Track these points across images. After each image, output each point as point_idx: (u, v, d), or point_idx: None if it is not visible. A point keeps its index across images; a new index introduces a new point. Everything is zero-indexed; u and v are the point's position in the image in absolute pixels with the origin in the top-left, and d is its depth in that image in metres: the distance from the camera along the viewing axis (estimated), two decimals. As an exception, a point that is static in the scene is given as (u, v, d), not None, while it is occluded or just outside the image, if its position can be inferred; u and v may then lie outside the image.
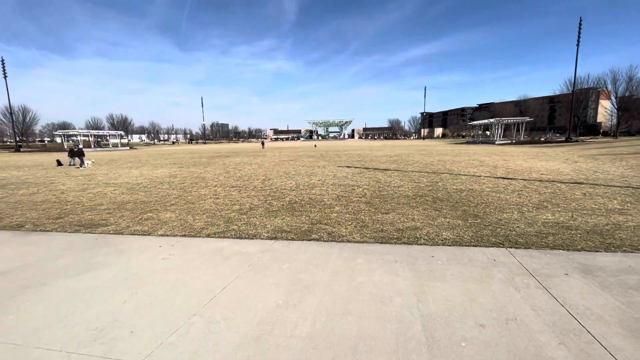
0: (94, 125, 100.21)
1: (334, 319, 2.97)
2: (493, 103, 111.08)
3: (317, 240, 5.49)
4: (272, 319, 3.01)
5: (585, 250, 4.66)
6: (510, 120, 55.08)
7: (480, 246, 4.94)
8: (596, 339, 2.58)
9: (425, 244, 5.10)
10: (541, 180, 12.03)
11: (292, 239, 5.59)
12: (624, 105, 56.80)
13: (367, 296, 3.40)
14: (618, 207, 7.61)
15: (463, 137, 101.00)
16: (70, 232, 6.43)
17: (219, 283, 3.82)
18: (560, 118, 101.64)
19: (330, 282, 3.75)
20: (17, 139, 66.27)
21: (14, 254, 5.17)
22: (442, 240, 5.29)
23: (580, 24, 43.93)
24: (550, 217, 6.73)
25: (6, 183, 14.74)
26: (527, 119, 54.57)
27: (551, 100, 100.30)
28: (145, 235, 6.12)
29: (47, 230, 6.59)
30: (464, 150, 33.43)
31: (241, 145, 76.26)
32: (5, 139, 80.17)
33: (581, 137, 55.84)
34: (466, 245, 5.00)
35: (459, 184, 11.34)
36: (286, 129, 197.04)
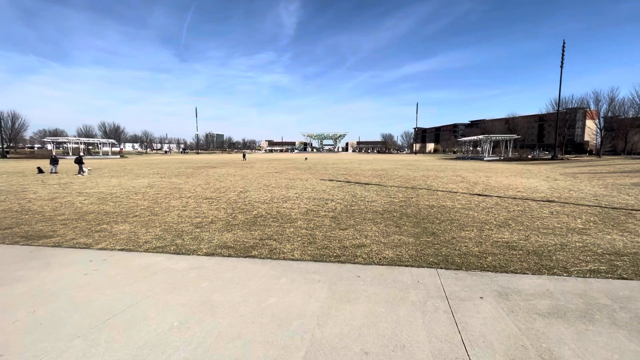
0: (86, 132, 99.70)
1: (220, 344, 2.86)
2: (484, 120, 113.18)
3: (254, 257, 5.38)
4: (156, 342, 2.89)
5: (515, 272, 4.61)
6: (499, 137, 56.03)
7: (413, 266, 4.87)
8: (473, 368, 2.51)
9: (359, 263, 5.03)
10: (515, 198, 12.10)
11: (230, 255, 5.48)
12: (608, 125, 58.23)
13: (268, 319, 3.30)
14: (580, 226, 7.64)
15: (454, 152, 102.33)
16: (7, 244, 6.24)
17: (127, 301, 3.70)
18: (549, 136, 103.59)
19: (239, 303, 3.64)
20: (4, 145, 65.51)
21: None
22: (379, 259, 5.21)
23: (563, 47, 45.33)
24: (505, 237, 6.70)
25: (-25, 191, 14.41)
26: (515, 136, 55.54)
27: (541, 118, 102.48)
28: (83, 248, 5.96)
29: (-15, 242, 6.39)
30: (451, 166, 33.73)
31: (233, 156, 76.15)
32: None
33: (567, 155, 56.85)
34: (400, 265, 4.94)
35: (433, 200, 11.35)
36: (281, 140, 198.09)
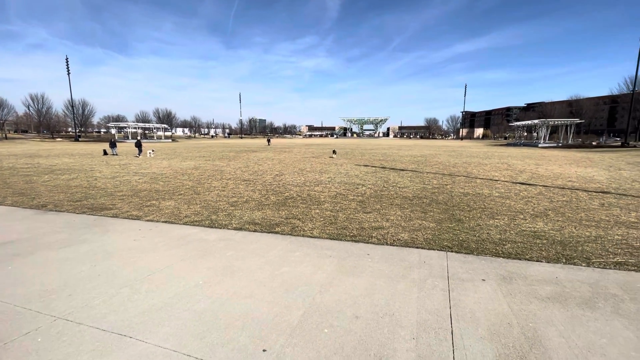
0: (142, 118, 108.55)
1: (234, 300, 3.37)
2: (542, 103, 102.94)
3: (276, 233, 5.88)
4: (184, 294, 3.49)
5: (530, 259, 4.56)
6: (557, 121, 50.84)
7: (424, 248, 5.01)
8: (453, 337, 2.71)
9: (372, 243, 5.28)
10: (563, 188, 11.31)
11: (255, 231, 6.04)
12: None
13: (278, 284, 3.74)
14: (632, 220, 7.07)
15: (506, 138, 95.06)
16: (77, 214, 7.44)
17: (165, 263, 4.39)
18: (621, 120, 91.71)
19: (256, 270, 4.14)
20: (77, 129, 74.28)
21: (26, 228, 6.19)
22: (392, 241, 5.41)
23: (644, 16, 39.15)
24: (536, 227, 6.46)
25: (56, 169, 16.83)
26: (577, 120, 50.00)
27: (613, 100, 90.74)
28: (135, 219, 6.92)
29: (61, 211, 7.67)
30: (498, 153, 31.71)
31: (273, 141, 78.30)
32: (69, 129, 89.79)
33: (641, 142, 49.96)
34: (411, 247, 5.10)
35: (469, 188, 11.05)
36: (320, 125, 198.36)
